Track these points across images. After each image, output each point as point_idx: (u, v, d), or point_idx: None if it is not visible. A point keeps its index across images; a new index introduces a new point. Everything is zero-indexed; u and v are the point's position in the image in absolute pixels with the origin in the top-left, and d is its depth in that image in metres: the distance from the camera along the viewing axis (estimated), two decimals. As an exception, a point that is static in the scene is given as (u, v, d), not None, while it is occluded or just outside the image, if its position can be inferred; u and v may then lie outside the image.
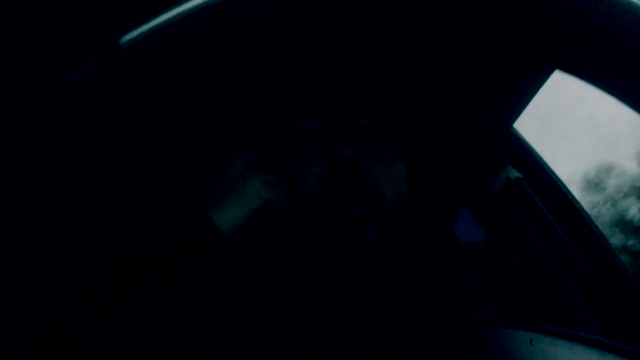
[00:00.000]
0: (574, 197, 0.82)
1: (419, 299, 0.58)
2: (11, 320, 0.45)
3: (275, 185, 0.57)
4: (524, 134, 0.85)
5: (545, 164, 0.85)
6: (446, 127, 0.69)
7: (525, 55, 0.58)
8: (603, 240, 0.77)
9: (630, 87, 0.45)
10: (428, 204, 0.66)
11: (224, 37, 0.46)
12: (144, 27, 0.44)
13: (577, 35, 0.45)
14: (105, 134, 0.52)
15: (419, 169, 0.64)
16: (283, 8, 0.49)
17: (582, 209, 0.81)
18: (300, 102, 0.61)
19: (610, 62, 0.45)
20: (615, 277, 0.74)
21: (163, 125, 0.60)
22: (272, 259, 0.57)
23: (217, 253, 0.50)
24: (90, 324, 0.41)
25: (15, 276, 0.48)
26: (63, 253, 0.50)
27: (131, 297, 0.43)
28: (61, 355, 0.39)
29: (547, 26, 0.46)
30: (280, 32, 0.52)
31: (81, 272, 0.44)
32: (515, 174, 0.82)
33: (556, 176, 0.84)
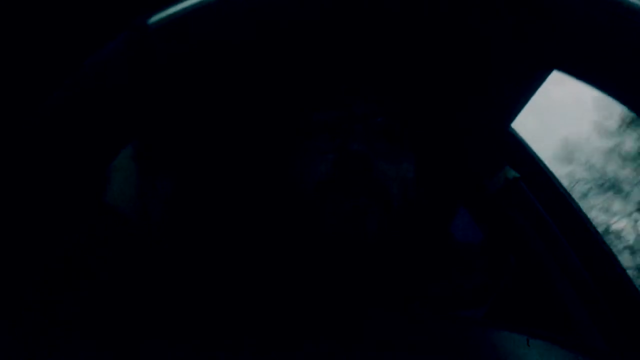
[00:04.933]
0: (571, 198, 0.82)
1: (415, 298, 0.58)
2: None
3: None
4: (522, 133, 0.85)
5: (543, 163, 0.85)
6: (446, 127, 0.69)
7: (525, 54, 0.57)
8: (601, 242, 0.77)
9: (630, 88, 0.45)
10: (426, 204, 0.66)
11: (243, 26, 0.46)
12: (174, 9, 0.44)
13: (576, 35, 0.45)
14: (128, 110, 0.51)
15: (419, 168, 0.63)
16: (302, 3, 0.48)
17: (579, 209, 0.82)
18: (317, 95, 0.61)
19: (610, 62, 0.45)
20: (613, 278, 0.74)
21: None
22: (267, 255, 0.57)
23: (126, 236, 0.49)
24: None
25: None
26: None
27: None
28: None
29: (547, 26, 0.46)
30: (300, 25, 0.51)
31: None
32: (513, 174, 0.82)
33: (553, 176, 0.84)
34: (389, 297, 0.57)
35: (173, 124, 0.61)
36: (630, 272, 0.74)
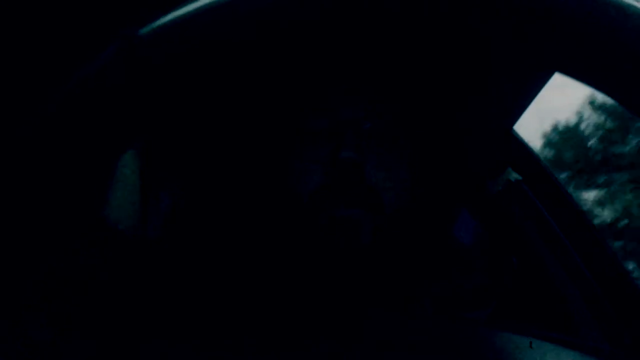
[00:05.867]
0: (573, 200, 0.82)
1: (418, 300, 0.58)
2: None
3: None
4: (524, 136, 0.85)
5: (545, 165, 0.85)
6: (446, 128, 0.69)
7: (526, 55, 0.57)
8: (603, 243, 0.77)
9: (632, 90, 0.45)
10: (428, 206, 0.65)
11: (234, 34, 0.46)
12: (165, 19, 0.44)
13: (576, 35, 0.45)
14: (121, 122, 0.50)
15: (419, 171, 0.63)
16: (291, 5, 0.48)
17: (582, 211, 0.81)
18: (309, 101, 0.60)
19: (611, 64, 0.44)
20: (617, 279, 0.74)
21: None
22: (267, 258, 0.57)
23: (125, 256, 0.48)
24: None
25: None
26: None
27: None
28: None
29: (547, 26, 0.46)
30: (288, 30, 0.51)
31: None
32: (515, 176, 0.82)
33: (556, 178, 0.84)
34: (389, 297, 0.57)
35: (173, 136, 0.62)
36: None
